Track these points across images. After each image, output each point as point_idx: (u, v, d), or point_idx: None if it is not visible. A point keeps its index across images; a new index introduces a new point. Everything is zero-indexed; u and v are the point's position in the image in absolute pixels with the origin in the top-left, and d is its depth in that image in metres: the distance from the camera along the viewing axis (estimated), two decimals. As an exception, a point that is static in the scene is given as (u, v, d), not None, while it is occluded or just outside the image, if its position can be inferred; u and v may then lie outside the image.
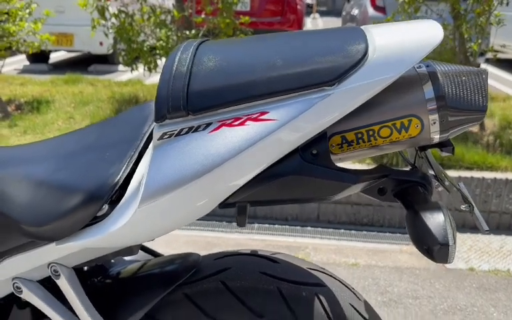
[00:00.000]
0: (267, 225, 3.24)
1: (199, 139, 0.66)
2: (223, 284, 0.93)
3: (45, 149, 0.89)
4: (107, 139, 0.84)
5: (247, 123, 0.65)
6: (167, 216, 0.69)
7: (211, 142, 0.66)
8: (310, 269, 0.97)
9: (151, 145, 0.72)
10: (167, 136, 0.68)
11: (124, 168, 0.76)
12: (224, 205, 0.70)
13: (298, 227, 3.21)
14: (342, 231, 3.18)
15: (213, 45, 0.76)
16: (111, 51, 8.04)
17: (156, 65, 4.05)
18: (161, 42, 3.76)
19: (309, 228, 3.20)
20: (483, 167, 3.30)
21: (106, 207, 0.75)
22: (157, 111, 0.68)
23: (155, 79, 6.50)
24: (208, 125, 0.66)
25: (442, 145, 0.77)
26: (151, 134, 0.81)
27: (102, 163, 0.78)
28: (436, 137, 0.74)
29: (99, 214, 0.75)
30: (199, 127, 0.66)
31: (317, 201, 0.72)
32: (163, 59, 4.15)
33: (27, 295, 0.86)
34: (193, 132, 0.67)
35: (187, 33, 3.68)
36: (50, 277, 0.84)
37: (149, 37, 3.98)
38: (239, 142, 0.65)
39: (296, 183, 0.67)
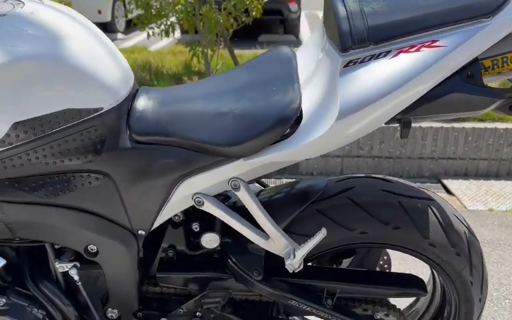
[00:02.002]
0: (293, 180, 3.41)
1: (381, 64, 0.82)
2: (350, 199, 1.11)
3: (212, 85, 1.05)
4: (263, 75, 1.00)
5: (421, 50, 0.81)
6: (356, 128, 0.85)
7: (392, 66, 0.82)
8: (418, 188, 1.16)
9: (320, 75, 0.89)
10: (352, 63, 0.84)
11: (299, 95, 0.92)
12: (391, 120, 0.87)
13: (324, 180, 3.38)
14: (365, 182, 3.37)
15: None
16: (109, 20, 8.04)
17: (174, 29, 4.11)
18: (180, 6, 3.82)
19: (334, 181, 3.38)
20: (495, 118, 3.52)
21: (289, 127, 0.91)
22: (342, 44, 0.84)
23: (158, 44, 6.53)
24: (387, 52, 0.82)
25: None
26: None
27: (277, 93, 0.94)
28: None
29: (285, 133, 0.92)
30: (380, 54, 0.82)
31: (469, 115, 0.90)
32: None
33: (208, 207, 1.03)
34: (375, 59, 0.83)
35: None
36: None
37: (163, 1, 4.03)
38: (416, 65, 0.80)
39: (454, 100, 0.83)
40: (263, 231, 1.05)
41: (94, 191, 1.02)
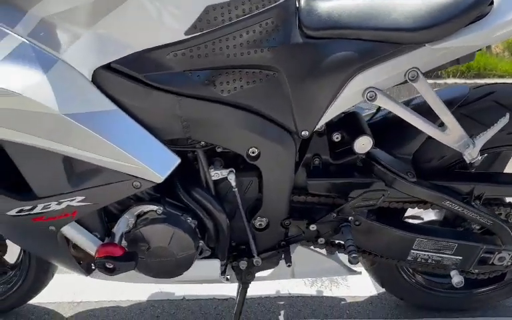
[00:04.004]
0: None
1: None
2: (495, 102, 1.12)
3: None
4: None
5: None
6: None
7: None
8: None
9: None
10: None
11: None
12: None
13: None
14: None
15: None
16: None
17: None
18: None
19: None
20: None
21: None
22: None
23: None
24: None
25: None
26: None
27: None
28: None
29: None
30: None
31: None
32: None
33: (381, 101, 1.01)
34: None
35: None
36: None
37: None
38: None
39: None
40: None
41: (263, 89, 0.99)
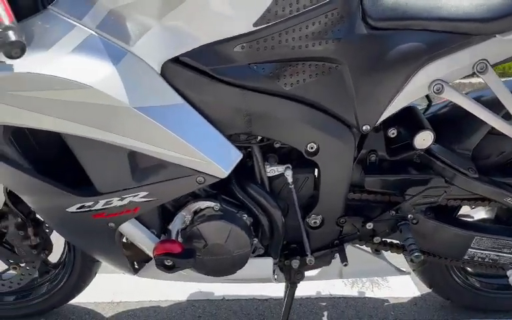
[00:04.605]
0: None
1: None
2: None
3: None
4: None
5: None
6: None
7: None
8: None
9: None
10: None
11: None
12: None
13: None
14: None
15: None
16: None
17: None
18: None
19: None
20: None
21: None
22: None
23: None
24: None
25: None
26: None
27: None
28: None
29: None
30: None
31: None
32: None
33: (448, 94, 0.98)
34: None
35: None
36: None
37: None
38: None
39: None
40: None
41: (326, 82, 0.97)
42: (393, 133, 1.13)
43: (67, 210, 0.98)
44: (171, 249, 1.01)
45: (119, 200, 0.96)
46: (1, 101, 0.82)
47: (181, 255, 1.02)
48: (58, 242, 1.42)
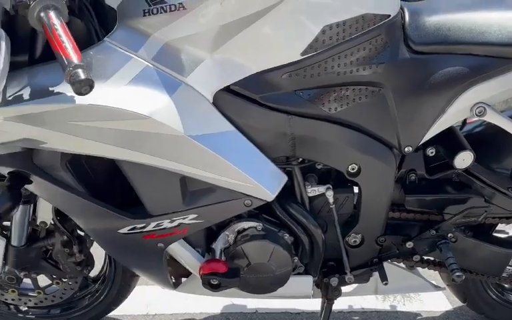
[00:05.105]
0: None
1: None
2: None
3: None
4: None
5: None
6: None
7: None
8: None
9: None
10: None
11: None
12: None
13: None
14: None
15: None
16: None
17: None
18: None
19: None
20: None
21: None
22: None
23: None
24: None
25: None
26: None
27: None
28: None
29: None
30: None
31: None
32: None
33: (491, 117, 1.01)
34: None
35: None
36: None
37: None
38: None
39: None
40: None
41: (368, 105, 0.99)
42: (431, 151, 1.14)
43: (118, 231, 1.01)
44: (216, 268, 1.04)
45: (169, 222, 0.99)
46: (62, 130, 0.86)
47: (226, 275, 1.05)
48: (95, 253, 1.47)
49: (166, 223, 0.99)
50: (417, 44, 0.98)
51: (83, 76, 0.70)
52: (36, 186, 1.00)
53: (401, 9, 1.02)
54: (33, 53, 0.90)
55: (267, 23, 0.87)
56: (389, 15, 0.95)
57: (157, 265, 1.12)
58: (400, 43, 0.98)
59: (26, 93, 0.84)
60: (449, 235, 1.16)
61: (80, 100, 0.81)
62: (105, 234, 1.05)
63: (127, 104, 0.84)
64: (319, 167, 1.10)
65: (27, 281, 1.45)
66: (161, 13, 0.84)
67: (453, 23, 1.00)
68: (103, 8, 0.92)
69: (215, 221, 1.05)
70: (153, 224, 0.99)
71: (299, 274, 1.21)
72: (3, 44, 0.75)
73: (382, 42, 0.95)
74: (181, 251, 1.09)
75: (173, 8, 0.84)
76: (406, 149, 1.05)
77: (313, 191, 1.11)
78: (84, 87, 0.70)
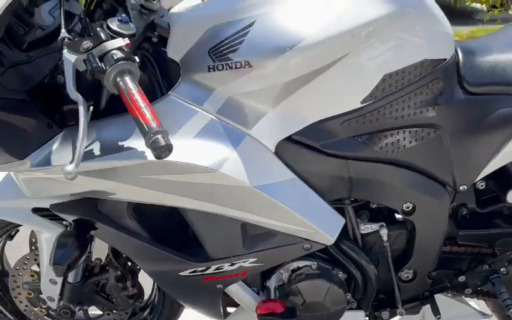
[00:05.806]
0: None
1: None
2: None
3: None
4: None
5: None
6: None
7: None
8: None
9: None
10: None
11: None
12: None
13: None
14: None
15: None
16: None
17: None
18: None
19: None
20: None
21: None
22: None
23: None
24: None
25: None
26: None
27: None
28: None
29: None
30: None
31: None
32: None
33: None
34: None
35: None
36: None
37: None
38: None
39: None
40: None
41: (424, 146, 1.00)
42: (481, 185, 1.14)
43: (179, 273, 1.04)
44: (274, 308, 1.06)
45: (229, 265, 1.02)
46: (133, 183, 0.89)
47: (284, 315, 1.06)
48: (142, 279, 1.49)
49: (226, 266, 1.02)
50: (472, 85, 0.99)
51: (163, 142, 0.73)
52: (100, 232, 1.03)
53: (455, 49, 1.04)
54: (97, 106, 0.94)
55: (329, 77, 0.89)
56: (445, 59, 0.96)
57: (213, 304, 1.14)
58: (455, 84, 0.99)
59: (96, 148, 0.88)
60: (502, 269, 1.16)
61: (151, 156, 0.85)
62: (166, 276, 1.07)
63: (196, 158, 0.87)
64: (373, 206, 1.11)
65: (79, 313, 1.49)
66: (226, 69, 0.87)
67: (507, 62, 1.00)
68: (165, 61, 0.95)
69: (274, 264, 1.07)
70: (213, 267, 1.02)
71: (351, 309, 1.22)
72: (81, 108, 0.78)
73: (438, 85, 0.96)
74: (238, 291, 1.11)
75: (238, 65, 0.87)
76: (461, 188, 1.05)
77: (366, 228, 1.12)
78: (164, 153, 0.73)
